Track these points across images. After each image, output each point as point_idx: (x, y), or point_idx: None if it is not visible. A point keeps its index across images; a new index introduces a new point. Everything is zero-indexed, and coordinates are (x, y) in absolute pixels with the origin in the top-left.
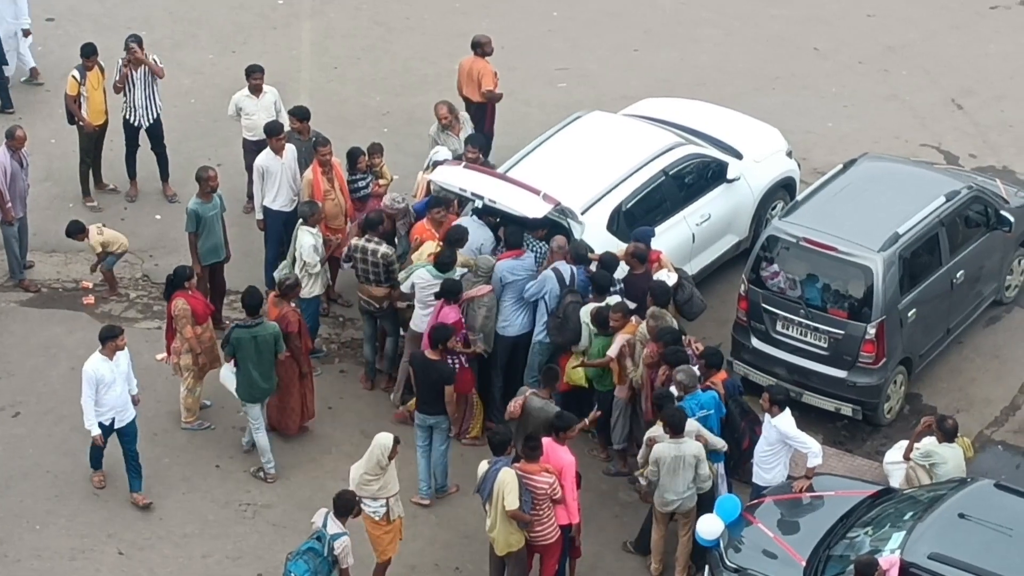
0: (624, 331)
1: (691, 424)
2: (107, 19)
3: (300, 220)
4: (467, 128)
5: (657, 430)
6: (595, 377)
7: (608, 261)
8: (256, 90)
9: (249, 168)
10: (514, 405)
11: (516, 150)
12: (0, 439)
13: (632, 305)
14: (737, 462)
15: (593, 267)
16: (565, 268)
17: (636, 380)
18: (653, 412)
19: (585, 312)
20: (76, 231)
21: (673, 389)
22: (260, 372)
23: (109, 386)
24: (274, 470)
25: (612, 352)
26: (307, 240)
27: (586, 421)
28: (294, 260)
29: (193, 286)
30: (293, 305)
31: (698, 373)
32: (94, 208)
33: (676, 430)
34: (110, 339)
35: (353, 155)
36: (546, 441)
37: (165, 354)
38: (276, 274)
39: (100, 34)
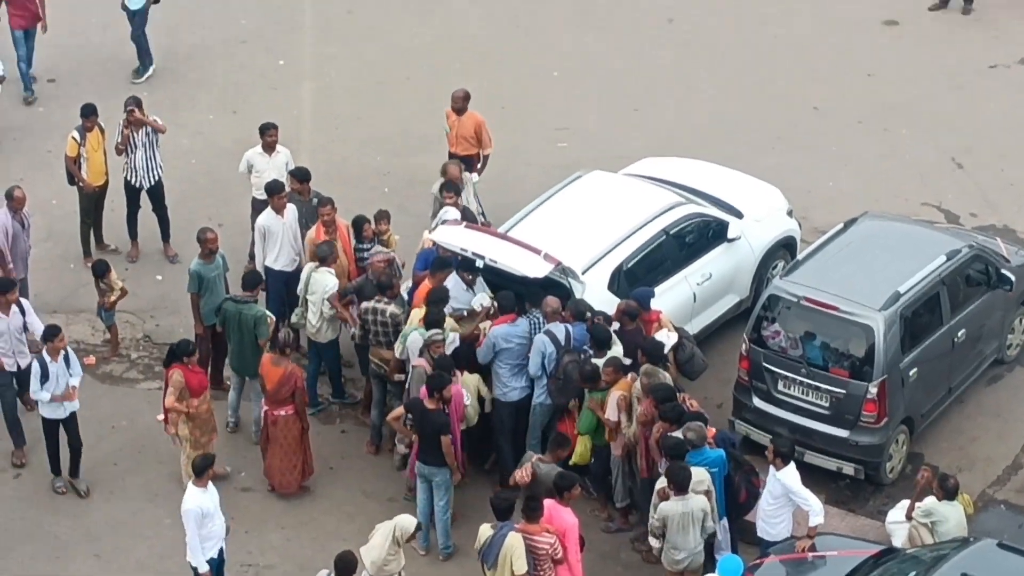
0: (618, 387)
1: (701, 474)
2: (108, 80)
3: (316, 263)
4: (470, 190)
5: (665, 480)
6: (592, 431)
7: (600, 336)
8: (270, 148)
9: (255, 227)
10: (522, 473)
11: (517, 210)
12: (2, 499)
13: (627, 361)
14: (736, 515)
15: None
16: (559, 329)
17: (630, 438)
18: (648, 469)
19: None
20: (103, 271)
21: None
22: (241, 349)
23: (211, 517)
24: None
25: (610, 414)
26: (330, 281)
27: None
28: (306, 304)
29: (193, 362)
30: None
31: (706, 433)
32: None
33: (680, 488)
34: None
35: (358, 224)
36: (549, 503)
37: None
38: (292, 319)
39: (101, 95)
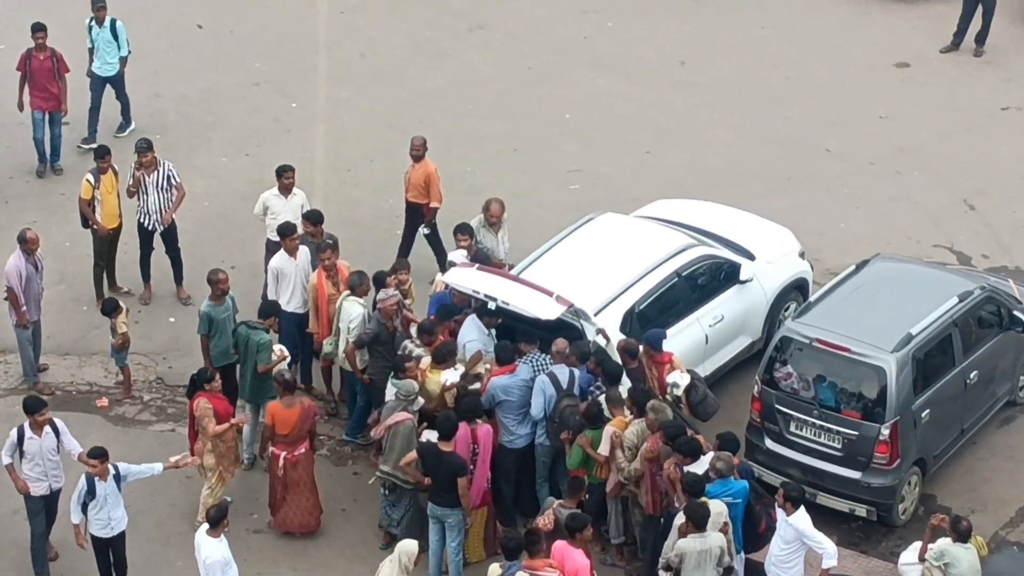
0: (613, 424)
1: (718, 506)
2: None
3: (347, 292)
4: (506, 228)
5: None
6: (580, 466)
7: (611, 371)
8: (286, 190)
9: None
10: (544, 520)
11: (529, 251)
12: (15, 543)
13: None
14: (754, 546)
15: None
16: (563, 372)
17: (628, 474)
18: (655, 507)
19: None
20: (112, 308)
21: (696, 469)
22: (248, 375)
23: (231, 564)
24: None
25: (602, 449)
26: (356, 310)
27: None
28: (339, 333)
29: (215, 388)
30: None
31: (735, 462)
32: None
33: (699, 526)
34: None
35: (380, 280)
36: (561, 544)
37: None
38: (325, 349)
39: (115, 138)
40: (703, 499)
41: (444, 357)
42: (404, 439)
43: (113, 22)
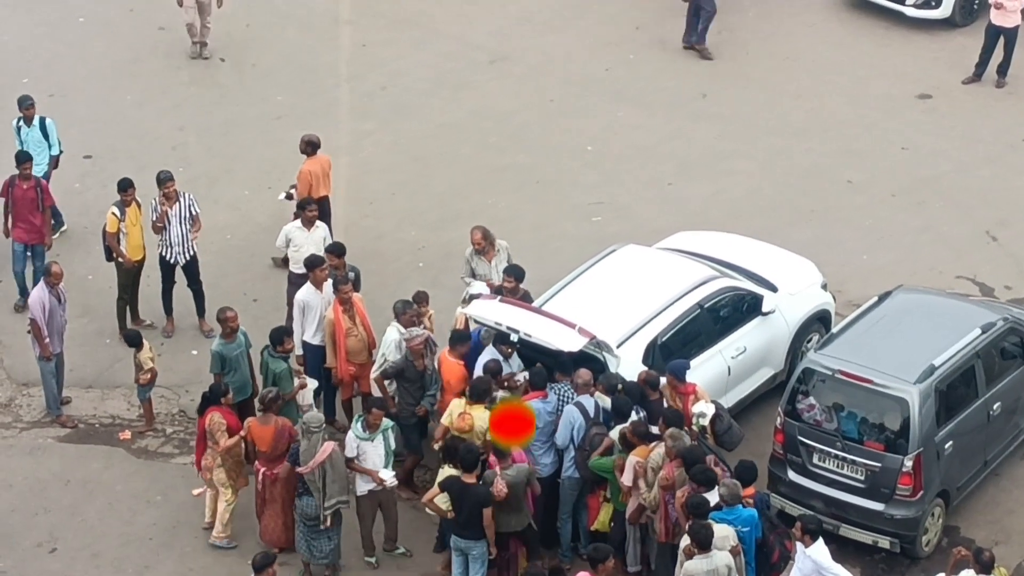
0: (636, 453)
1: (724, 530)
2: (145, 156)
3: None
4: (502, 256)
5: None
6: (608, 472)
7: (631, 389)
8: (309, 223)
9: (290, 302)
10: None
11: (551, 283)
12: (37, 575)
13: (654, 429)
14: (767, 575)
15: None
16: (589, 402)
17: (650, 502)
18: (668, 534)
19: (615, 434)
20: (136, 340)
21: (711, 499)
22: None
23: None
24: None
25: (625, 478)
26: (392, 336)
27: None
28: (382, 360)
29: (229, 401)
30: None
31: (740, 491)
32: None
33: (703, 546)
34: None
35: (399, 311)
36: None
37: (200, 489)
38: (374, 376)
39: (138, 171)
40: (708, 522)
41: (482, 394)
42: (341, 462)
43: (43, 120)
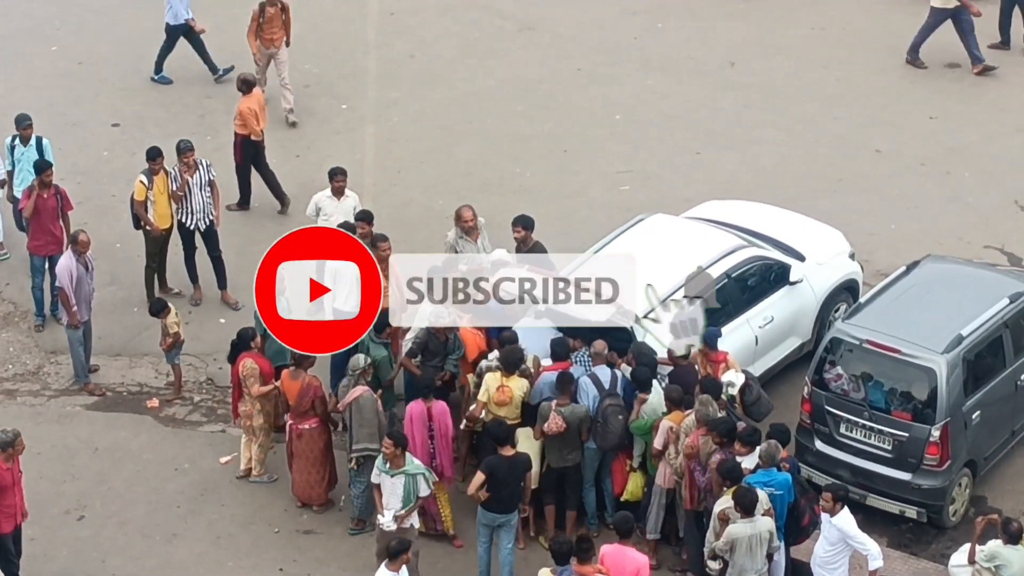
0: (670, 418)
1: (760, 495)
2: (173, 125)
3: None
4: (484, 233)
5: (726, 501)
6: (645, 433)
7: (646, 357)
8: (339, 192)
9: None
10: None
11: (579, 252)
12: (65, 542)
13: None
14: (796, 539)
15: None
16: (604, 373)
17: (676, 468)
18: (692, 501)
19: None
20: (160, 309)
21: (746, 464)
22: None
23: None
24: None
25: (658, 443)
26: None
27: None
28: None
29: (259, 344)
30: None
31: (779, 453)
32: None
33: (747, 511)
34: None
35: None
36: (613, 547)
37: (228, 457)
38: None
39: (166, 139)
40: (752, 486)
41: (515, 364)
42: (371, 410)
43: (39, 140)
